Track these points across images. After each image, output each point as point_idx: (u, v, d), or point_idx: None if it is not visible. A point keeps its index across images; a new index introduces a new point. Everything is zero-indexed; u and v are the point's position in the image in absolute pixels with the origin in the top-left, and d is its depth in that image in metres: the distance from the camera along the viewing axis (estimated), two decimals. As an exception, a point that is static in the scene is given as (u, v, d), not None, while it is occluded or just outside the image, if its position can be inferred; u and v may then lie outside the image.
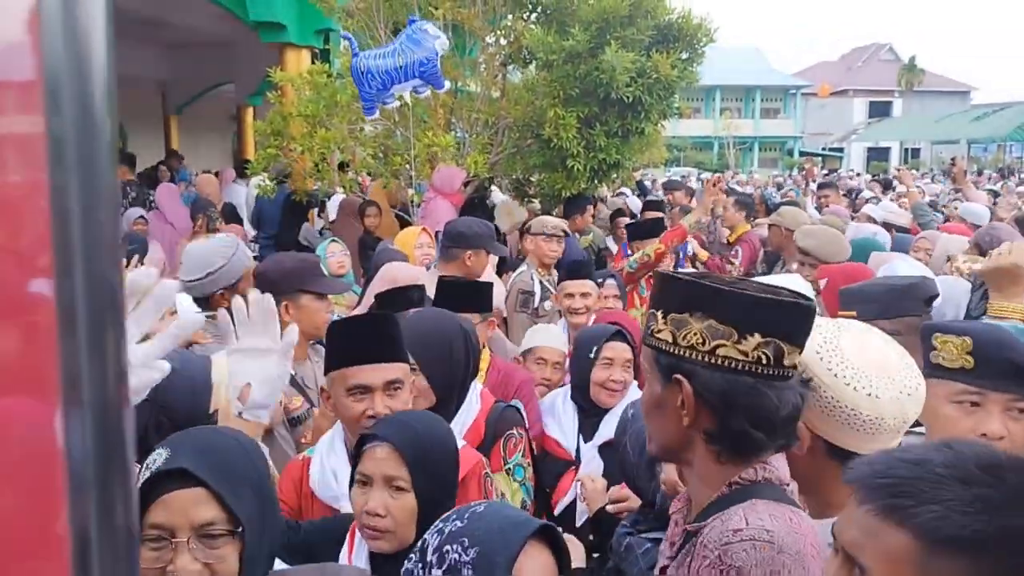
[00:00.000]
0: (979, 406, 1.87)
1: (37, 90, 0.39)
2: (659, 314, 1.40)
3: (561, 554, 1.42)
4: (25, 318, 0.42)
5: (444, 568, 1.33)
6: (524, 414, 2.83)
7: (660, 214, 7.15)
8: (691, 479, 1.52)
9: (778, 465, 1.45)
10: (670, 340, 1.37)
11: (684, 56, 7.07)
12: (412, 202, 6.89)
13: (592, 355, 3.04)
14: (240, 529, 1.40)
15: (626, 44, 6.65)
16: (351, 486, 1.88)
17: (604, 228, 8.34)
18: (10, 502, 0.43)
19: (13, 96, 0.43)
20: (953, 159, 10.56)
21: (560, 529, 1.49)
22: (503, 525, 1.38)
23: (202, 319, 1.73)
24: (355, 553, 1.89)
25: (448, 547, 1.35)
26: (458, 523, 1.39)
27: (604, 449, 2.92)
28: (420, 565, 1.38)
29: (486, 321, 3.35)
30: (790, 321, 1.37)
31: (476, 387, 2.71)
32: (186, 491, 1.38)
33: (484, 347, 3.25)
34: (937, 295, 3.02)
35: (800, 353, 1.39)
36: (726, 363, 1.34)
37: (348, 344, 2.21)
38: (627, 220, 7.41)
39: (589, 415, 3.05)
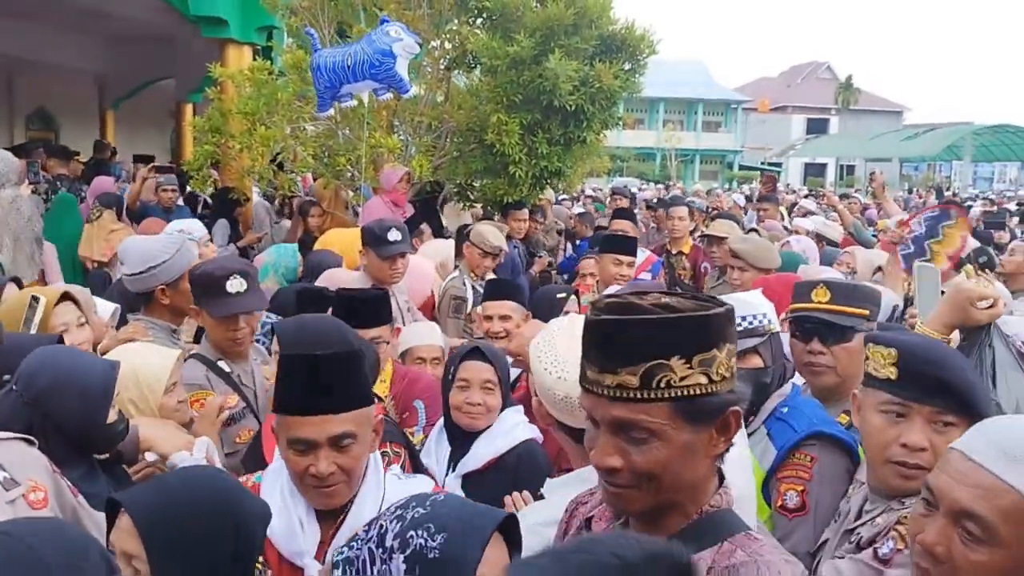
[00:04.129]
0: (904, 417, 1.89)
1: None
2: (673, 362, 1.27)
3: (516, 548, 1.40)
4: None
5: (408, 553, 1.30)
6: (404, 429, 2.79)
7: (629, 223, 6.63)
8: (664, 515, 1.41)
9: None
10: (704, 382, 1.29)
11: (627, 67, 7.17)
12: (353, 203, 6.83)
13: (451, 376, 2.73)
14: None
15: (570, 52, 6.70)
16: None
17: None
18: None
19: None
20: (872, 174, 10.73)
21: None
22: (471, 513, 1.36)
23: None
24: None
25: (412, 532, 1.31)
26: (420, 510, 1.34)
27: (471, 478, 2.65)
28: (380, 551, 1.33)
29: (392, 330, 3.26)
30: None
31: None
32: None
33: (387, 359, 3.15)
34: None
35: None
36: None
37: (291, 388, 1.84)
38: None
39: (459, 443, 2.73)
